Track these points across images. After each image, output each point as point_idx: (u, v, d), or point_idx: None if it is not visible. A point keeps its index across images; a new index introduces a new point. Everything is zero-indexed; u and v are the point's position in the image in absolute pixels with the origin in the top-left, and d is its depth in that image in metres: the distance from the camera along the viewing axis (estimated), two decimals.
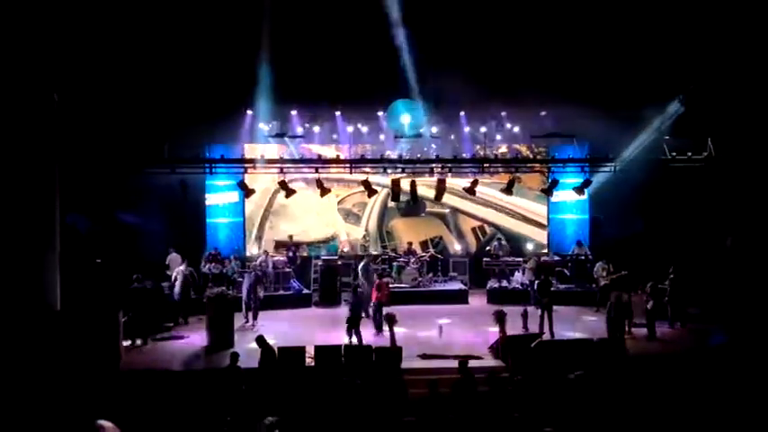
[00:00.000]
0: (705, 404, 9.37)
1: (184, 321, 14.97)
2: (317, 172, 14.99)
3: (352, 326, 12.86)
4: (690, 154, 14.50)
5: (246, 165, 15.49)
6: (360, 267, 16.02)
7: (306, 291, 17.26)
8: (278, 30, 15.28)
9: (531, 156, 18.71)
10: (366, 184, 15.32)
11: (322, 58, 15.97)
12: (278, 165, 15.38)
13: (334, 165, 15.95)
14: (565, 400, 9.35)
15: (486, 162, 15.72)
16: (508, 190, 15.97)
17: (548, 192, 16.41)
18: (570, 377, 9.78)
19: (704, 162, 14.53)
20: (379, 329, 13.73)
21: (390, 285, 16.90)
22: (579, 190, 15.83)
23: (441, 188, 15.57)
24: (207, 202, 18.36)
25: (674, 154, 14.58)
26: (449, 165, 15.68)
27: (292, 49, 15.59)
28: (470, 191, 16.02)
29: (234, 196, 18.16)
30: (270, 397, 9.73)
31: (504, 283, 17.50)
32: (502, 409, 8.95)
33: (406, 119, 18.17)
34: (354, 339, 12.75)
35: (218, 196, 18.40)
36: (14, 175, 11.15)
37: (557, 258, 18.14)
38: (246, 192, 15.61)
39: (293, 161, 15.82)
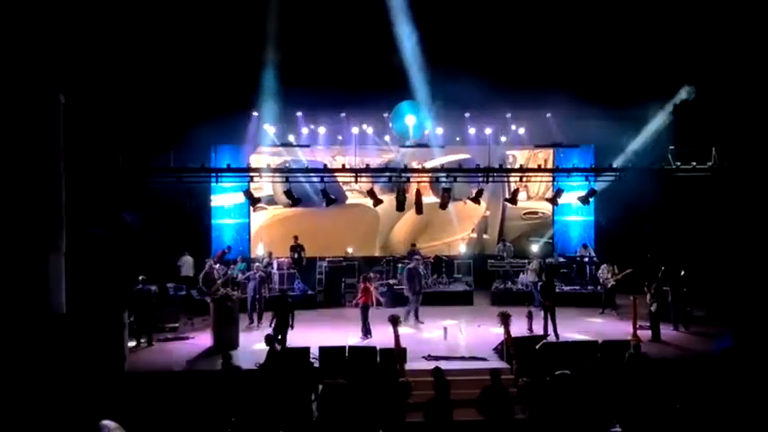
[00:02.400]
0: (710, 406, 9.35)
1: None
2: (322, 181, 14.93)
3: (280, 331, 12.40)
4: (695, 164, 14.45)
5: (252, 174, 15.43)
6: (406, 269, 15.46)
7: (310, 292, 17.29)
8: (283, 31, 15.31)
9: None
10: (371, 193, 15.27)
11: (327, 59, 15.99)
12: (284, 174, 15.34)
13: (340, 174, 15.86)
14: (569, 400, 9.33)
15: (490, 171, 15.65)
16: (513, 200, 15.83)
17: (552, 201, 16.31)
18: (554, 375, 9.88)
19: (709, 172, 14.47)
20: (366, 334, 13.60)
21: (395, 287, 16.98)
22: (584, 200, 15.72)
23: (445, 198, 15.53)
24: (212, 204, 18.41)
25: (679, 163, 14.52)
26: (454, 174, 15.60)
27: (298, 50, 15.62)
28: (475, 200, 15.97)
29: (239, 197, 18.15)
30: (273, 397, 9.74)
31: (509, 285, 17.49)
32: (506, 411, 8.93)
33: (411, 120, 18.19)
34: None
35: (224, 197, 18.43)
36: (20, 177, 11.19)
37: (561, 260, 18.11)
38: (252, 200, 15.52)
39: (299, 170, 15.72)
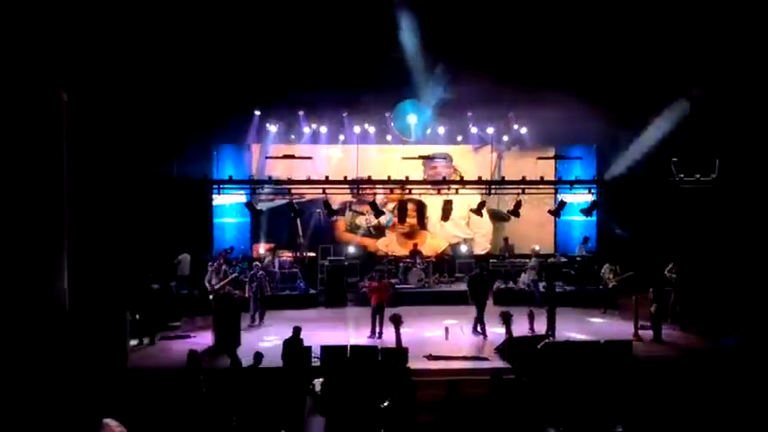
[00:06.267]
0: (711, 406, 9.36)
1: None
2: (323, 193, 14.86)
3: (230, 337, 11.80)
4: (698, 176, 14.38)
5: (254, 185, 15.40)
6: (468, 277, 14.90)
7: (312, 291, 17.29)
8: (285, 30, 15.28)
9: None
10: (373, 205, 15.23)
11: (329, 58, 15.96)
12: (285, 186, 15.32)
13: (341, 185, 15.85)
14: (571, 401, 9.35)
15: (493, 183, 15.64)
16: (515, 212, 15.74)
17: (555, 213, 16.23)
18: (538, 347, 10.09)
19: (712, 184, 14.40)
20: (375, 333, 13.59)
21: (396, 286, 16.97)
22: (587, 212, 15.65)
23: (447, 209, 15.52)
24: (214, 202, 18.41)
25: (682, 175, 14.45)
26: (455, 186, 15.57)
27: (299, 49, 15.60)
28: (477, 212, 15.94)
29: (241, 197, 18.17)
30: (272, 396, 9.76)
31: (511, 284, 17.47)
32: (507, 411, 8.94)
33: (412, 119, 18.19)
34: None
35: (226, 196, 18.41)
36: (21, 175, 11.22)
37: (563, 260, 18.11)
38: (254, 212, 15.48)
39: (301, 182, 15.74)
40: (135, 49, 14.46)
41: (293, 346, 11.04)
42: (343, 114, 18.21)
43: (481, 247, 19.38)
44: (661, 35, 15.01)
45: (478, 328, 13.83)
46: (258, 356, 10.30)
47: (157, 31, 14.45)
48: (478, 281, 14.37)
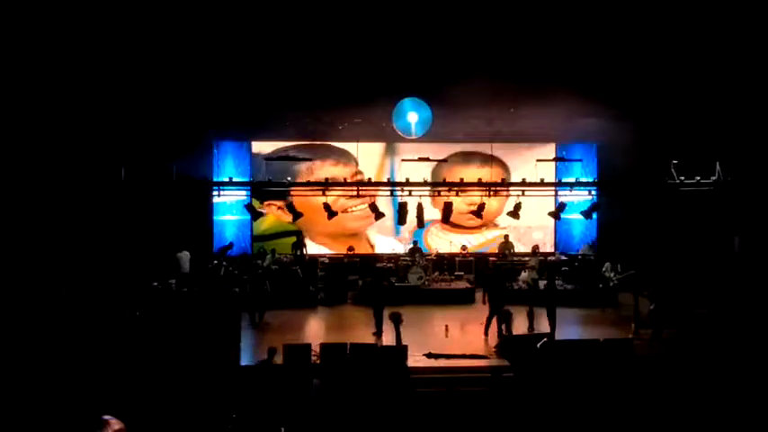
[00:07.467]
0: (708, 404, 9.37)
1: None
2: (324, 195, 14.81)
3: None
4: (698, 178, 14.36)
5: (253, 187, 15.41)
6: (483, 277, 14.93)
7: (312, 289, 17.27)
8: (283, 28, 15.26)
9: None
10: (373, 207, 15.22)
11: (328, 56, 15.94)
12: (284, 187, 15.30)
13: (341, 188, 15.80)
14: (570, 400, 9.35)
15: (492, 185, 15.65)
16: (515, 214, 15.70)
17: (555, 215, 16.21)
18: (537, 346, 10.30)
19: (713, 186, 14.38)
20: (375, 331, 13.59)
21: (396, 284, 16.97)
22: (587, 214, 15.62)
23: (447, 210, 15.50)
24: (214, 200, 18.40)
25: (683, 178, 14.43)
26: (456, 188, 15.57)
27: (297, 47, 15.58)
28: (477, 214, 15.92)
29: (241, 194, 18.16)
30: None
31: (511, 283, 17.44)
32: (504, 410, 8.96)
33: (413, 117, 18.14)
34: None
35: (226, 193, 18.36)
36: (21, 175, 11.24)
37: (563, 258, 18.11)
38: (254, 214, 15.42)
39: (300, 184, 15.63)
40: (134, 47, 14.46)
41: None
42: (344, 114, 18.20)
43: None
44: (661, 34, 15.01)
45: (504, 327, 13.60)
46: (272, 351, 10.31)
47: (159, 27, 14.44)
48: (493, 280, 14.27)
